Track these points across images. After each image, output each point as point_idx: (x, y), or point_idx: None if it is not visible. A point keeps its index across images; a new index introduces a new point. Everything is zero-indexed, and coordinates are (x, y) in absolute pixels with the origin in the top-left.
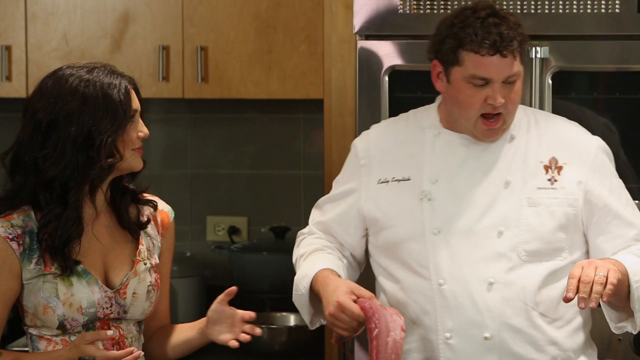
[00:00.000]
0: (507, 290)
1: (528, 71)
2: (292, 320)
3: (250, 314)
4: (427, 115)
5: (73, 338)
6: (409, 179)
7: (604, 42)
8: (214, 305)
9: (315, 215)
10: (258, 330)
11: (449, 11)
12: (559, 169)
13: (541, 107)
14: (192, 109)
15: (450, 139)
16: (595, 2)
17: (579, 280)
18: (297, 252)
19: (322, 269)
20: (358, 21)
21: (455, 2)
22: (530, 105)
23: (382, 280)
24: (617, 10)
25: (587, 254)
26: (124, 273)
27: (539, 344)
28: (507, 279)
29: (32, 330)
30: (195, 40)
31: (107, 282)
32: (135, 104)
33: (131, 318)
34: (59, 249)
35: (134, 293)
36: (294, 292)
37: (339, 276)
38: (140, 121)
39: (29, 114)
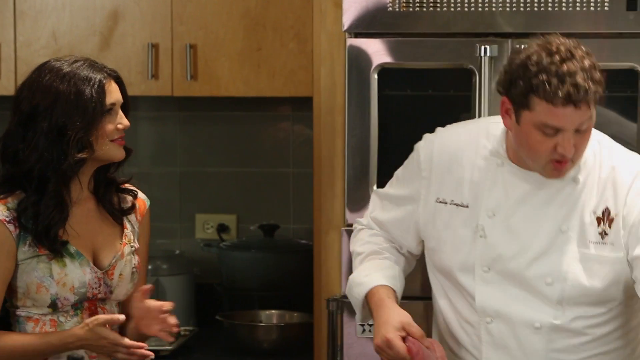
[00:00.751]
0: (554, 334)
1: None
2: (280, 318)
3: (166, 305)
4: (494, 137)
5: (61, 318)
6: (467, 207)
7: (594, 39)
8: (134, 304)
9: (374, 208)
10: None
11: (438, 9)
12: (610, 221)
13: None
14: (181, 106)
15: (514, 172)
16: (585, 1)
17: None
18: (355, 245)
19: (378, 286)
20: (347, 19)
21: (446, 1)
22: None
23: (437, 293)
24: (606, 9)
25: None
26: (112, 255)
27: None
28: (553, 325)
29: (19, 312)
30: (184, 38)
31: (96, 264)
32: (113, 97)
33: (115, 299)
34: (42, 233)
35: (120, 274)
36: (348, 290)
37: (395, 292)
38: (120, 113)
39: (15, 105)
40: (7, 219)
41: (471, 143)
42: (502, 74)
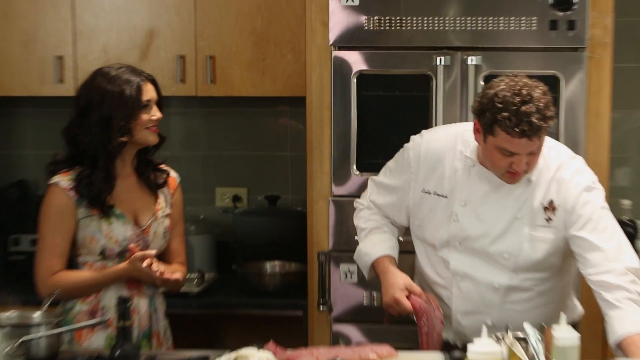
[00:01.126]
0: (508, 291)
1: (465, 75)
2: (281, 267)
3: (147, 253)
4: (467, 145)
5: (110, 264)
6: (446, 197)
7: (525, 52)
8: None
9: (372, 192)
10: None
11: (403, 28)
12: (554, 209)
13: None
14: (203, 104)
15: (481, 172)
16: (517, 21)
17: None
18: (359, 222)
19: (382, 256)
20: (332, 36)
21: (410, 21)
22: (465, 101)
23: (420, 255)
24: (534, 28)
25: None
26: (148, 218)
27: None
28: (509, 285)
29: (78, 259)
30: (205, 51)
31: (136, 224)
32: (148, 95)
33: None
34: (94, 198)
35: (154, 232)
36: (356, 256)
37: (394, 259)
38: (155, 107)
39: (75, 101)
40: (69, 187)
41: (450, 147)
42: (475, 102)
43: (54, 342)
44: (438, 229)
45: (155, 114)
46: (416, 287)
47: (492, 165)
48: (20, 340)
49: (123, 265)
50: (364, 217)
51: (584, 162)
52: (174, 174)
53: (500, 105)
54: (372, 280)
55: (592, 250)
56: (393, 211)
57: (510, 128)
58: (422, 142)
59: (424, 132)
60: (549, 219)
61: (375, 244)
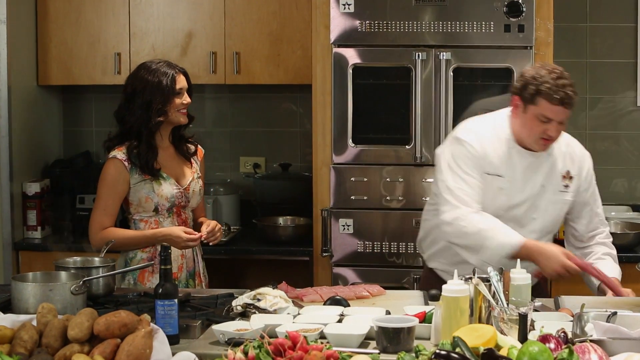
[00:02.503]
0: None
1: (438, 67)
2: (292, 221)
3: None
4: (503, 128)
5: (160, 218)
6: (501, 176)
7: (484, 49)
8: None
9: (462, 195)
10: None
11: (389, 30)
12: (570, 178)
13: (445, 89)
14: (231, 90)
15: (519, 152)
16: (479, 25)
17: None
18: (474, 224)
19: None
20: (333, 36)
21: (394, 24)
22: (438, 87)
23: None
24: (492, 30)
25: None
26: (187, 179)
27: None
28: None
29: (135, 217)
30: (232, 48)
31: (179, 183)
32: (181, 84)
33: (190, 206)
34: (144, 165)
35: (193, 190)
36: (492, 249)
37: None
38: (185, 94)
39: (123, 88)
40: (124, 159)
41: (493, 136)
42: (517, 81)
43: (110, 282)
44: (491, 202)
45: (186, 99)
46: (567, 251)
47: (529, 134)
48: (83, 280)
49: (163, 233)
50: (474, 220)
51: None
52: (200, 147)
53: (542, 79)
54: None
55: (594, 215)
56: (477, 198)
57: (551, 96)
58: (476, 134)
59: (470, 128)
60: (566, 186)
61: (508, 230)
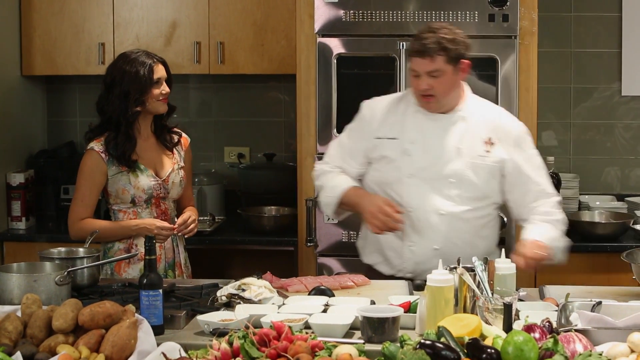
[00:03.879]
0: (452, 219)
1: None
2: (277, 211)
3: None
4: (411, 97)
5: (139, 209)
6: (396, 138)
7: (470, 39)
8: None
9: (330, 152)
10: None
11: (373, 20)
12: (492, 144)
13: None
14: (215, 80)
15: (426, 115)
16: (463, 14)
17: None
18: (318, 181)
19: (353, 187)
20: (317, 25)
21: (378, 14)
22: None
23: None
24: (476, 20)
25: (504, 205)
26: (166, 170)
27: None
28: (452, 212)
29: (114, 207)
30: (216, 38)
31: (157, 175)
32: (159, 74)
33: (170, 197)
34: (121, 157)
35: (172, 182)
36: (323, 200)
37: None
38: (164, 84)
39: (103, 78)
40: (101, 150)
41: (395, 102)
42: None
43: (95, 273)
44: (390, 168)
45: (165, 89)
46: (392, 202)
47: (413, 92)
48: (67, 271)
49: (136, 222)
50: (322, 175)
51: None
52: (185, 135)
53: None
54: (346, 221)
55: (531, 186)
56: (347, 159)
57: (410, 48)
58: (373, 101)
59: (373, 98)
60: (487, 151)
61: (341, 180)
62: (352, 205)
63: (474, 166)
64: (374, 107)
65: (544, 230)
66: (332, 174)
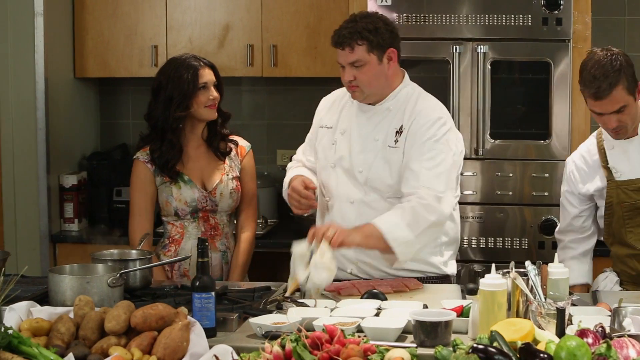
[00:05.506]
0: (362, 208)
1: (476, 60)
2: None
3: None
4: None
5: (185, 223)
6: (330, 127)
7: (522, 42)
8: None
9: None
10: None
11: (428, 23)
12: (400, 133)
13: (483, 82)
14: (268, 83)
15: (358, 106)
16: (517, 18)
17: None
18: (286, 179)
19: (296, 175)
20: None
21: (431, 17)
22: (476, 80)
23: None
24: (529, 23)
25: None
26: (215, 181)
27: None
28: (362, 200)
29: (163, 218)
30: (269, 41)
31: (204, 186)
32: (205, 78)
33: (222, 210)
34: (164, 167)
35: (221, 193)
36: (283, 191)
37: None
38: (212, 88)
39: (152, 84)
40: (146, 160)
41: (340, 95)
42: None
43: (147, 275)
44: (322, 157)
45: (212, 94)
46: (310, 181)
47: (343, 83)
48: (120, 272)
49: None
50: (287, 174)
51: (441, 105)
52: (243, 143)
53: None
54: None
55: (409, 173)
56: (307, 153)
57: (331, 40)
58: (328, 95)
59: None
60: (396, 141)
61: (291, 173)
62: None
63: (384, 157)
64: (326, 100)
65: (386, 215)
66: (289, 170)
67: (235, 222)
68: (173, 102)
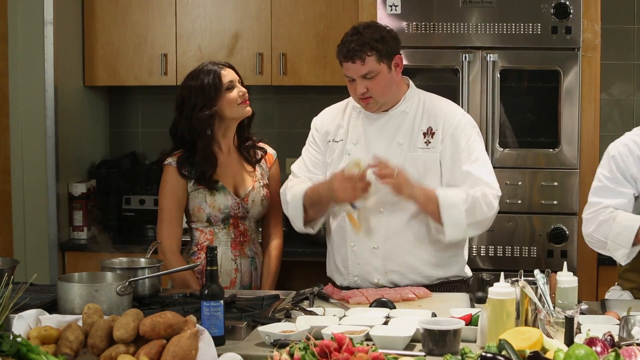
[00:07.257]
0: (394, 214)
1: (485, 69)
2: None
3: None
4: (353, 101)
5: (216, 229)
6: (341, 140)
7: (532, 51)
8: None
9: (294, 173)
10: None
11: (438, 32)
12: (432, 134)
13: (492, 91)
14: (277, 92)
15: (367, 115)
16: (526, 26)
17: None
18: (285, 197)
19: (309, 186)
20: None
21: (441, 26)
22: (485, 89)
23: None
24: (539, 32)
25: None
26: (247, 187)
27: (412, 255)
28: (390, 209)
29: (192, 225)
30: (279, 49)
31: (236, 193)
32: (229, 77)
33: (251, 217)
34: (200, 177)
35: (252, 200)
36: (291, 205)
37: None
38: (238, 85)
39: (175, 103)
40: (178, 166)
41: (340, 109)
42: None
43: (156, 283)
44: (335, 168)
45: (241, 89)
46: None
47: (352, 96)
48: (129, 281)
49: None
50: (287, 192)
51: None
52: (271, 151)
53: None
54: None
55: (458, 173)
56: (312, 170)
57: (339, 54)
58: (321, 114)
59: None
60: (428, 142)
61: (299, 187)
62: (316, 201)
63: (414, 159)
64: (323, 117)
65: (451, 192)
66: (293, 187)
67: (260, 229)
68: (197, 108)
